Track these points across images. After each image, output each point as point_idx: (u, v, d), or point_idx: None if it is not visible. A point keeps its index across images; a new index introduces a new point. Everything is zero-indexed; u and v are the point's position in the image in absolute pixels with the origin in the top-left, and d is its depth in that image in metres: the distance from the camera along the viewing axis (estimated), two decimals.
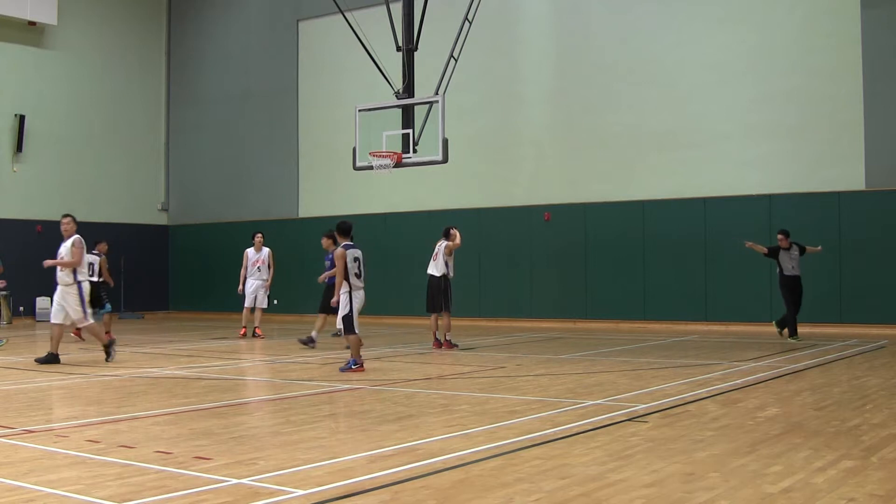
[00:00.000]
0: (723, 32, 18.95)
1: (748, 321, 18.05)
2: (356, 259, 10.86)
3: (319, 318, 14.55)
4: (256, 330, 16.70)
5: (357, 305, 10.82)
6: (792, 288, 15.10)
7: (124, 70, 26.23)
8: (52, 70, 24.44)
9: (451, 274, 14.09)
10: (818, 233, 17.68)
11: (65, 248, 11.92)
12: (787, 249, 15.09)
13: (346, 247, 10.83)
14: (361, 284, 10.91)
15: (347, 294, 10.75)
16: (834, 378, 9.91)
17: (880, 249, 17.17)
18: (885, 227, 17.15)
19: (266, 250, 16.84)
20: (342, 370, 10.84)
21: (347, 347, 11.59)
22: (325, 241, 14.87)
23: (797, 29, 18.21)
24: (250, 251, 16.85)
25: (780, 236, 15.22)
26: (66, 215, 12.23)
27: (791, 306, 15.09)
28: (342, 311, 10.79)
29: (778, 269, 15.27)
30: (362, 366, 10.89)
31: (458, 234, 14.18)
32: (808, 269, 17.70)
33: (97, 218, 24.41)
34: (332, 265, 13.25)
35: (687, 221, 18.97)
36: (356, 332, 10.81)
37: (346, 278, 10.74)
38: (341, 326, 11.01)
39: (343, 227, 11.15)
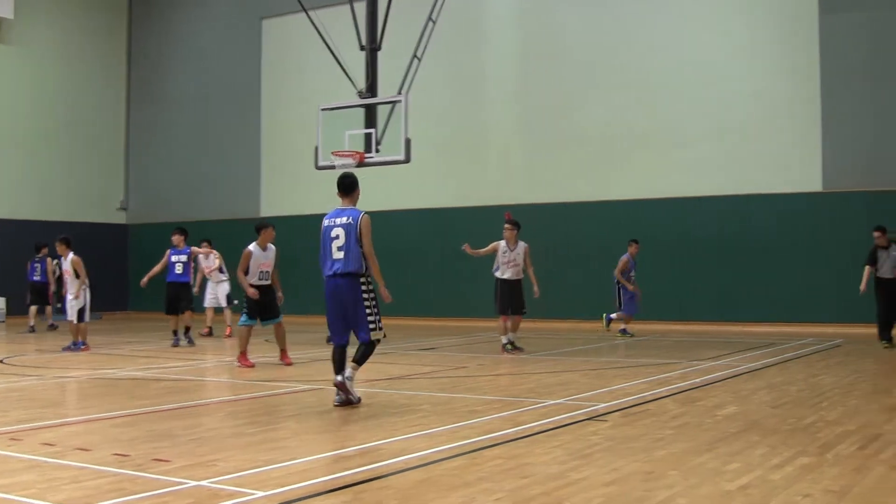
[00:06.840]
0: (688, 35, 19.14)
1: (718, 321, 18.25)
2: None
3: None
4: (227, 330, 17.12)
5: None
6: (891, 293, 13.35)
7: (84, 66, 25.82)
8: (8, 65, 23.99)
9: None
10: (785, 233, 17.98)
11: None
12: (886, 248, 13.28)
13: None
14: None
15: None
16: (791, 376, 10.06)
17: (833, 250, 17.43)
18: (838, 227, 17.45)
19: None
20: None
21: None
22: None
23: (756, 33, 18.47)
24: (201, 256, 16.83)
25: (876, 234, 13.38)
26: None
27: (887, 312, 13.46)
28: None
29: (874, 271, 13.40)
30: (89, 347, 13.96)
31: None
32: (768, 270, 18.01)
33: (54, 216, 24.04)
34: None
35: (657, 221, 18.99)
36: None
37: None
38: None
39: None
